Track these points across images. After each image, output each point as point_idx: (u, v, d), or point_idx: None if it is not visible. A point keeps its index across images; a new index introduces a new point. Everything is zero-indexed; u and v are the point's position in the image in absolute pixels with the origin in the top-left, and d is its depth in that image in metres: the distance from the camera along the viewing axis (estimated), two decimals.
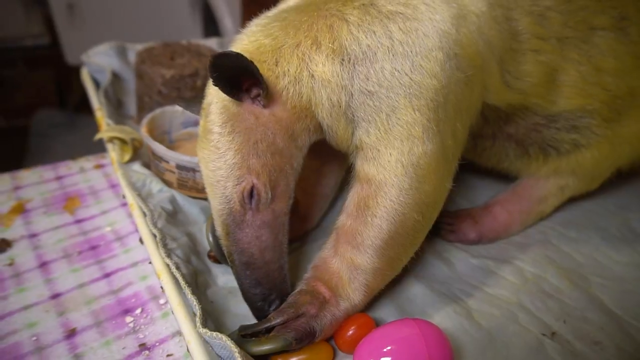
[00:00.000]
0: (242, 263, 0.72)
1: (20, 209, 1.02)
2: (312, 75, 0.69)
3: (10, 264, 0.89)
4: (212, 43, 1.51)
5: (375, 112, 0.68)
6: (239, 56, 0.62)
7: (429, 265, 0.92)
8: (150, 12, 3.54)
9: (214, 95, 0.71)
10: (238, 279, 0.73)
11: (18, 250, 0.92)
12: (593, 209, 1.11)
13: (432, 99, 0.68)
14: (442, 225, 1.00)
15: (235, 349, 0.60)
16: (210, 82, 0.72)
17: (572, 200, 1.08)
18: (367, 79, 0.68)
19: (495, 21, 0.73)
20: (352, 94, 0.69)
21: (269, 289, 0.72)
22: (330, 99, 0.70)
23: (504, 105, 0.82)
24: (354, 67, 0.68)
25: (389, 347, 0.64)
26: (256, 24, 0.74)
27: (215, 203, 0.72)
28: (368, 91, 0.68)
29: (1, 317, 0.78)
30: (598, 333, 0.79)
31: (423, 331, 0.66)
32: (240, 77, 0.65)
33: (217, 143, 0.69)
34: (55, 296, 0.83)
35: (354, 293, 0.73)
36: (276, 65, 0.69)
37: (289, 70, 0.69)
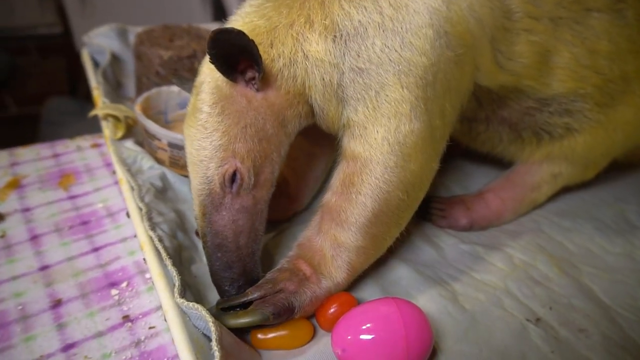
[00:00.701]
0: (214, 245, 0.71)
1: (15, 184, 1.03)
2: (306, 56, 0.68)
3: (2, 236, 0.90)
4: (214, 27, 1.51)
5: (364, 89, 0.68)
6: (240, 34, 0.61)
7: (416, 249, 0.92)
8: (161, 1, 3.56)
9: (207, 74, 0.71)
10: (209, 260, 0.72)
11: (10, 224, 0.93)
12: (588, 200, 1.09)
13: (420, 77, 0.67)
14: (433, 210, 0.99)
15: (209, 319, 0.60)
16: (205, 60, 0.71)
17: (568, 190, 1.07)
18: (358, 56, 0.67)
19: None
20: (343, 71, 0.68)
21: (239, 274, 0.71)
22: (323, 79, 0.69)
23: (496, 87, 0.81)
24: (346, 44, 0.67)
25: (367, 325, 0.64)
26: (250, 4, 0.74)
27: (196, 182, 0.72)
28: (359, 68, 0.68)
29: None
30: (584, 321, 0.78)
31: (401, 310, 0.65)
32: (238, 57, 0.65)
33: (205, 123, 0.69)
34: (44, 268, 0.84)
35: (336, 271, 0.73)
36: (271, 47, 0.69)
37: (283, 52, 0.68)
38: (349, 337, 0.63)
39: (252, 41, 0.62)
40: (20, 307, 0.76)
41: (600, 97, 0.83)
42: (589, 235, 0.99)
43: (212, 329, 0.59)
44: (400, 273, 0.84)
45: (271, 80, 0.69)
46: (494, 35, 0.74)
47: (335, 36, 0.67)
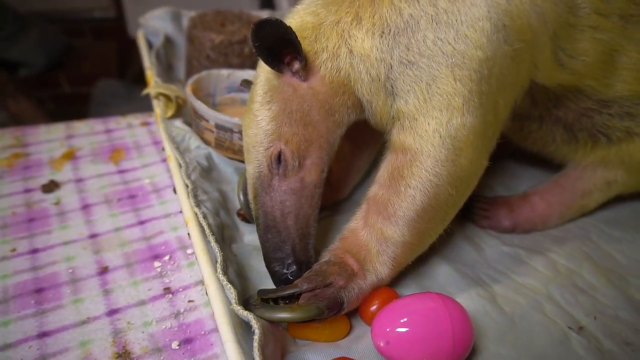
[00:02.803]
0: (265, 226, 0.74)
1: (70, 155, 1.08)
2: (351, 51, 0.70)
3: (57, 203, 0.95)
4: (264, 15, 1.53)
5: (414, 81, 0.67)
6: (278, 22, 0.63)
7: (457, 248, 0.90)
8: None
9: (261, 68, 0.75)
10: (261, 241, 0.75)
11: (65, 192, 0.98)
12: None
13: (475, 70, 0.66)
14: (476, 210, 0.97)
15: (238, 308, 0.61)
16: None
17: (619, 199, 1.02)
18: (408, 49, 0.67)
19: None
20: (391, 65, 0.68)
21: (287, 254, 0.73)
22: (369, 73, 0.70)
23: (554, 86, 0.78)
24: (394, 38, 0.67)
25: (413, 318, 0.63)
26: (302, 2, 0.77)
27: (250, 167, 0.76)
28: (408, 61, 0.67)
29: (43, 249, 0.84)
30: (631, 334, 0.75)
31: (447, 305, 0.64)
32: (281, 49, 0.68)
33: (257, 111, 0.74)
34: (93, 236, 0.88)
35: (381, 267, 0.72)
36: (315, 41, 0.72)
37: (327, 45, 0.71)
38: (394, 330, 0.62)
39: (290, 29, 0.64)
40: (70, 271, 0.80)
41: None
42: (639, 247, 0.94)
43: (246, 313, 0.60)
44: (439, 270, 0.83)
45: (315, 70, 0.72)
46: (556, 31, 0.71)
47: (383, 32, 0.68)
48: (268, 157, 0.73)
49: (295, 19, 0.74)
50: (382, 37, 0.68)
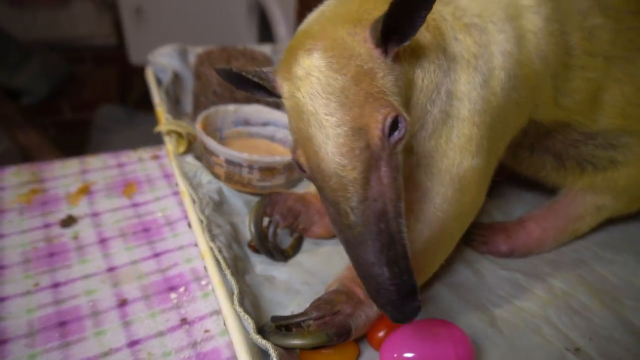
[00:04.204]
0: (376, 215, 0.55)
1: (86, 190, 1.13)
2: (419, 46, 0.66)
3: (75, 238, 0.99)
4: (266, 49, 1.60)
5: (443, 119, 0.69)
6: None
7: (458, 273, 0.95)
8: (210, 17, 3.74)
9: (328, 35, 0.60)
10: (363, 243, 0.55)
11: (82, 226, 1.03)
12: (633, 232, 1.09)
13: (490, 116, 0.70)
14: (475, 236, 1.02)
15: (257, 337, 0.65)
16: (311, 27, 0.64)
17: (611, 222, 1.07)
18: (452, 83, 0.68)
19: (552, 35, 0.74)
20: (439, 91, 0.67)
21: (402, 255, 0.55)
22: (422, 84, 0.67)
23: (548, 122, 0.84)
24: (449, 66, 0.67)
25: (418, 344, 0.67)
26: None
27: (341, 132, 0.55)
28: (449, 93, 0.68)
29: (65, 283, 0.88)
30: (625, 354, 0.79)
31: (450, 332, 0.69)
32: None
33: (347, 72, 0.57)
34: (111, 269, 0.92)
35: None
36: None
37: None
38: (401, 355, 0.67)
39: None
40: (91, 304, 0.84)
41: None
42: (632, 268, 0.99)
43: (263, 342, 0.65)
44: (442, 296, 0.87)
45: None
46: (555, 72, 0.77)
47: (445, 55, 0.67)
48: (381, 121, 0.56)
49: (361, 3, 0.64)
50: (437, 58, 0.67)
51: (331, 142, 0.56)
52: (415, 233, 0.74)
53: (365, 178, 0.56)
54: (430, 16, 0.65)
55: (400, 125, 0.57)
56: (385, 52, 0.60)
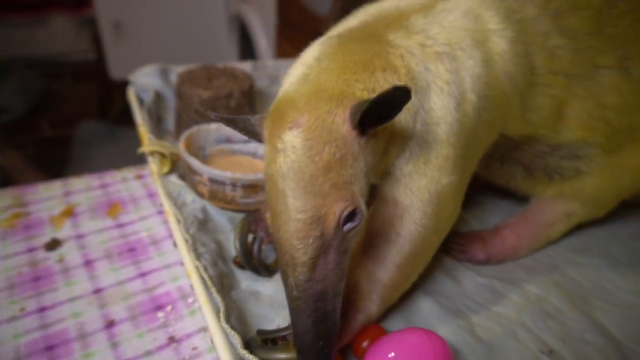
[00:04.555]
0: (315, 295, 0.63)
1: (69, 213, 1.14)
2: None
3: (60, 261, 1.00)
4: (247, 66, 1.63)
5: (420, 145, 0.72)
6: (404, 89, 0.58)
7: (437, 281, 0.98)
8: (190, 32, 3.76)
9: (309, 112, 0.63)
10: (299, 315, 0.64)
11: (67, 249, 1.03)
12: (602, 237, 1.14)
13: (464, 136, 0.74)
14: (453, 245, 1.05)
15: (244, 352, 0.68)
16: (292, 97, 0.67)
17: (582, 227, 1.12)
18: (427, 113, 0.71)
19: (518, 56, 0.79)
20: (415, 125, 0.71)
21: (332, 326, 0.65)
22: (402, 124, 0.71)
23: (517, 135, 0.89)
24: (420, 97, 0.71)
25: (398, 353, 0.70)
26: (328, 54, 0.71)
27: (301, 217, 0.61)
28: (426, 123, 0.71)
29: (51, 307, 0.89)
30: (596, 354, 0.83)
31: (431, 340, 0.71)
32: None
33: (319, 160, 0.61)
34: (98, 291, 0.93)
35: (371, 304, 0.80)
36: (373, 92, 0.67)
37: None
38: None
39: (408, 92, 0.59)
40: (78, 326, 0.85)
41: (607, 145, 0.90)
42: (602, 271, 1.04)
43: (250, 357, 0.67)
44: (422, 304, 0.91)
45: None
46: (521, 91, 0.81)
47: (415, 91, 0.71)
48: (338, 213, 0.61)
49: (341, 70, 0.67)
50: (415, 94, 0.70)
51: (291, 225, 0.62)
52: (398, 246, 0.78)
53: (313, 262, 0.63)
54: (398, 63, 0.70)
55: (356, 217, 0.63)
56: (363, 132, 0.64)
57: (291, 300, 0.65)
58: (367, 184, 0.67)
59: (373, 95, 0.63)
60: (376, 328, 0.81)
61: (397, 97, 0.58)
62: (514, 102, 0.81)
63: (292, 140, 0.62)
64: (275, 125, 0.65)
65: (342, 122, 0.62)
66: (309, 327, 0.64)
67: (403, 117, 0.70)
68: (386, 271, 0.79)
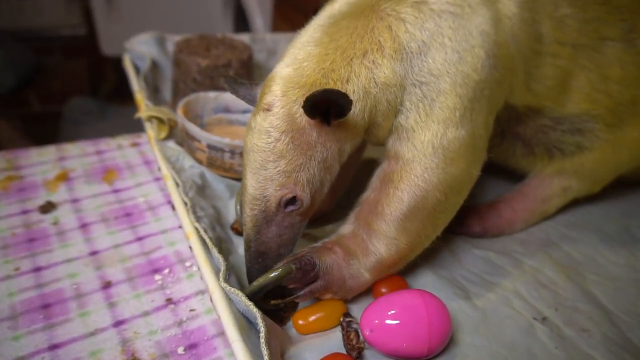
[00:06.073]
0: (257, 252, 0.76)
1: (64, 177, 1.12)
2: (376, 83, 0.72)
3: (55, 223, 0.99)
4: (245, 38, 1.60)
5: (420, 99, 0.74)
6: (345, 97, 0.65)
7: (435, 252, 0.99)
8: (184, 9, 3.69)
9: (279, 97, 0.71)
10: (249, 262, 0.77)
11: (62, 212, 1.02)
12: (596, 213, 1.16)
13: (473, 89, 0.74)
14: None
15: (249, 304, 0.68)
16: (275, 79, 0.73)
17: (577, 203, 1.13)
18: (420, 71, 0.73)
19: (525, 23, 0.79)
20: (405, 87, 0.74)
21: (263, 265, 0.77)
22: (388, 100, 0.74)
23: (521, 106, 0.89)
24: (410, 62, 0.73)
25: (392, 311, 0.71)
26: (319, 28, 0.76)
27: (251, 194, 0.73)
28: (419, 82, 0.73)
29: (47, 267, 0.88)
30: (587, 322, 0.85)
31: (425, 299, 0.72)
32: (328, 105, 0.68)
33: (273, 148, 0.70)
34: (94, 253, 0.93)
35: (365, 257, 0.79)
36: (347, 82, 0.71)
37: (358, 85, 0.71)
38: (376, 321, 0.70)
39: (351, 101, 0.66)
40: (74, 287, 0.85)
41: (610, 119, 0.91)
42: (595, 246, 1.06)
43: (254, 310, 0.67)
44: (420, 273, 0.91)
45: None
46: (527, 57, 0.81)
47: (402, 57, 0.72)
48: (278, 197, 0.72)
49: (322, 55, 0.72)
50: (401, 62, 0.72)
51: (246, 195, 0.75)
52: (395, 199, 0.77)
53: (257, 229, 0.76)
54: (384, 36, 0.73)
55: (297, 202, 0.74)
56: (327, 122, 0.71)
57: (245, 248, 0.78)
58: (326, 168, 0.74)
59: (347, 86, 0.71)
60: (398, 279, 0.84)
61: (340, 100, 0.65)
62: (519, 67, 0.81)
63: (260, 122, 0.71)
64: (259, 101, 0.73)
65: (304, 112, 0.68)
66: (253, 271, 0.77)
67: (385, 95, 0.73)
68: (384, 224, 0.78)
